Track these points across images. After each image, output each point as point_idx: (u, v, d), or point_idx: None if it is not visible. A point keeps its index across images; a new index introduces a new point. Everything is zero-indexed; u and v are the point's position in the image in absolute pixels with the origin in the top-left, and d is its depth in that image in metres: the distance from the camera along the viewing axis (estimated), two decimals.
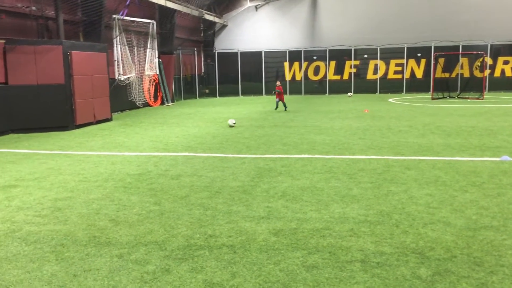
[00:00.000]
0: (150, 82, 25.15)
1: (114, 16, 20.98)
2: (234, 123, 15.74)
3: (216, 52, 33.60)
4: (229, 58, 33.17)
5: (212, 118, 18.69)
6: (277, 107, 21.25)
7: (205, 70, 33.96)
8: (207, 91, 32.96)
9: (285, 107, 21.10)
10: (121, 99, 21.98)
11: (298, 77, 32.81)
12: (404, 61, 31.45)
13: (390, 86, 31.50)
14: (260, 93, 32.86)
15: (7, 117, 15.18)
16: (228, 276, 4.41)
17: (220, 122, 17.04)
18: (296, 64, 32.71)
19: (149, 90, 25.08)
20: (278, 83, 21.64)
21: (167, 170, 9.06)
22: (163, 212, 6.39)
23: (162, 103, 26.49)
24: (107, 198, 7.16)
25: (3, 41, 15.25)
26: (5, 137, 14.77)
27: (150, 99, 25.24)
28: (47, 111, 15.80)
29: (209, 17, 30.72)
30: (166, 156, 10.59)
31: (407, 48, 31.16)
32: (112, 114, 19.55)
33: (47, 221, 6.14)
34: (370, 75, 32.07)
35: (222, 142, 12.48)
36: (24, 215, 6.42)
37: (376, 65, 31.79)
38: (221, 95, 32.58)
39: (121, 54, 21.80)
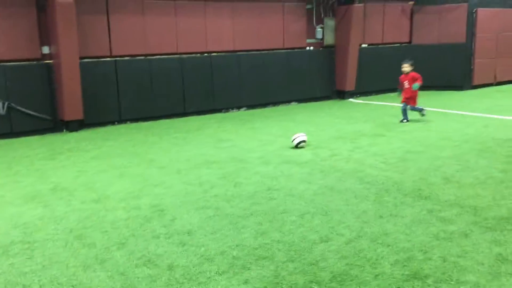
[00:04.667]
0: None
1: None
2: (299, 143, 8.12)
3: None
4: None
5: None
6: (404, 117, 10.33)
7: None
8: None
9: (404, 118, 10.32)
10: None
11: None
12: None
13: None
14: None
15: None
16: None
17: None
18: None
19: None
20: (405, 67, 10.40)
21: None
22: (503, 180, 5.85)
23: None
24: (455, 158, 7.06)
25: (412, 2, 16.24)
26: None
27: None
28: (444, 71, 16.03)
29: None
30: None
31: None
32: None
33: (388, 168, 6.69)
34: None
35: None
36: (374, 160, 7.18)
37: None
38: None
39: None
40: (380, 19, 15.51)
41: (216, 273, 3.86)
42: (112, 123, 11.42)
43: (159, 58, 11.87)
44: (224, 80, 12.81)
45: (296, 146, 8.15)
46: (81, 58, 10.60)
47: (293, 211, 5.15)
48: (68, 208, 5.54)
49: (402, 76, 10.52)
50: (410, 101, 10.34)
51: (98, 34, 11.03)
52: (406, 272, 3.71)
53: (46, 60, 10.61)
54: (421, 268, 3.76)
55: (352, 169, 6.70)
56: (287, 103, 14.11)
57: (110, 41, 11.20)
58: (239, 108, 13.28)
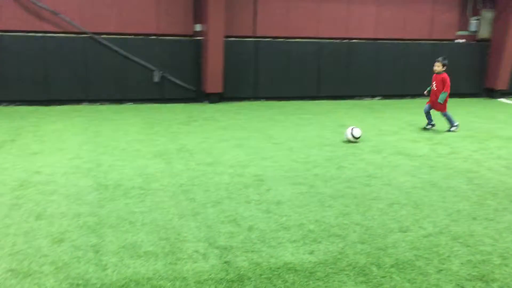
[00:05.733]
0: None
1: None
2: (355, 137, 7.81)
3: None
4: None
5: None
6: (430, 121, 9.06)
7: None
8: None
9: (428, 123, 9.03)
10: None
11: None
12: None
13: None
14: None
15: None
16: None
17: None
18: None
19: None
20: (436, 66, 8.87)
21: None
22: None
23: None
24: None
25: None
26: None
27: None
28: None
29: None
30: None
31: None
32: None
33: (507, 173, 6.23)
34: None
35: None
36: (495, 163, 6.72)
37: None
38: None
39: None
40: None
41: (288, 240, 4.17)
42: (248, 99, 12.22)
43: (298, 41, 12.27)
44: (361, 68, 12.76)
45: (354, 137, 7.77)
46: (227, 36, 11.49)
47: (383, 199, 5.19)
48: (185, 167, 6.29)
49: (434, 75, 8.93)
50: (435, 105, 8.87)
51: (245, 15, 11.82)
52: (474, 273, 3.60)
53: (197, 36, 11.73)
54: (492, 272, 3.62)
55: (466, 169, 6.38)
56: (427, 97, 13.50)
57: (254, 23, 11.92)
58: (373, 97, 13.13)
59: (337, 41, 12.60)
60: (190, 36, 11.73)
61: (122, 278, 3.51)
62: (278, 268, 3.69)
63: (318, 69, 12.48)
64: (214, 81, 11.48)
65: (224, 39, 11.34)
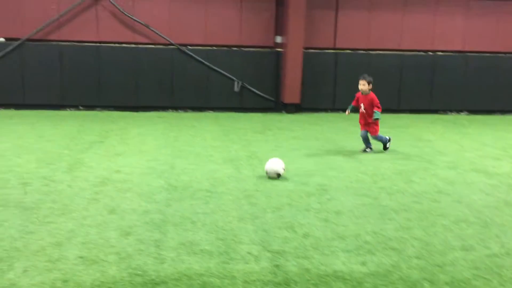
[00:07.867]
0: None
1: None
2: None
3: None
4: None
5: None
6: (367, 145, 7.92)
7: None
8: None
9: (366, 146, 7.93)
10: None
11: None
12: None
13: None
14: None
15: None
16: None
17: None
18: None
19: None
20: (361, 85, 7.83)
21: None
22: None
23: None
24: None
25: None
26: None
27: None
28: None
29: None
30: None
31: None
32: None
33: None
34: None
35: None
36: None
37: None
38: None
39: None
40: None
41: (341, 250, 4.17)
42: (326, 110, 12.21)
43: (379, 54, 12.08)
44: (446, 81, 12.27)
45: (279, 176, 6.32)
46: (306, 48, 11.61)
47: (450, 216, 4.99)
48: (252, 173, 6.47)
49: (360, 95, 7.95)
50: (369, 128, 7.80)
51: (325, 27, 11.89)
52: None
53: (278, 48, 11.96)
54: None
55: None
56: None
57: (335, 34, 11.93)
58: (459, 111, 12.53)
59: (421, 53, 12.22)
60: (271, 47, 12.00)
61: (176, 272, 3.72)
62: (327, 275, 3.71)
63: (399, 81, 12.18)
64: (292, 92, 11.64)
65: (304, 50, 11.46)
